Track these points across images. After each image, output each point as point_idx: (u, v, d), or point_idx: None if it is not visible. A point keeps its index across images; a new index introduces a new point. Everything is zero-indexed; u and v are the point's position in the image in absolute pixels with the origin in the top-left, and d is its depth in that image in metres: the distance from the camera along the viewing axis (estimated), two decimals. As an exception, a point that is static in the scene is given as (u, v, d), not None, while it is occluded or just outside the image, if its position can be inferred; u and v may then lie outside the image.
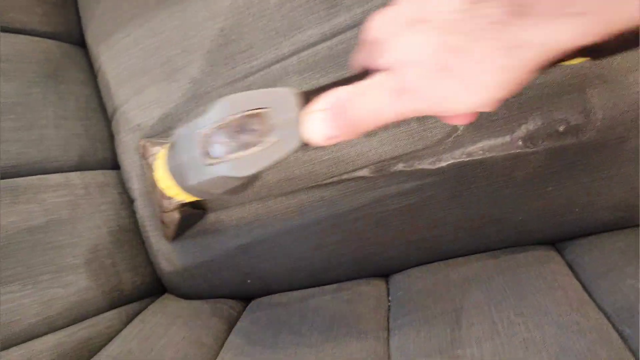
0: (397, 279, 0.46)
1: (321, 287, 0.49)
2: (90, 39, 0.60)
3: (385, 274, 0.48)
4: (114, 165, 0.60)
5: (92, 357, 0.44)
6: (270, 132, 0.28)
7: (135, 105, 0.55)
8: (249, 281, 0.52)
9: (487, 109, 0.22)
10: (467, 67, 0.21)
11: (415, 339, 0.36)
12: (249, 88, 0.49)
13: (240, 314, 0.51)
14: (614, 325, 0.30)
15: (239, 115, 0.29)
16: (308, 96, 0.28)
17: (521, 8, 0.19)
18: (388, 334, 0.38)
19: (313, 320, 0.42)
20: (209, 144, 0.30)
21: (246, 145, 0.29)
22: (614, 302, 0.31)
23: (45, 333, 0.44)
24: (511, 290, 0.36)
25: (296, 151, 0.29)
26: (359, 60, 0.28)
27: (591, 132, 0.39)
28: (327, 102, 0.26)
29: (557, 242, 0.43)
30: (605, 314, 0.31)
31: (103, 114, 0.60)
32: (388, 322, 0.40)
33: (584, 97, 0.38)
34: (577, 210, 0.40)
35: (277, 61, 0.48)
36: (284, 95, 0.28)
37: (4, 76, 0.52)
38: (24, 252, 0.46)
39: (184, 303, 0.54)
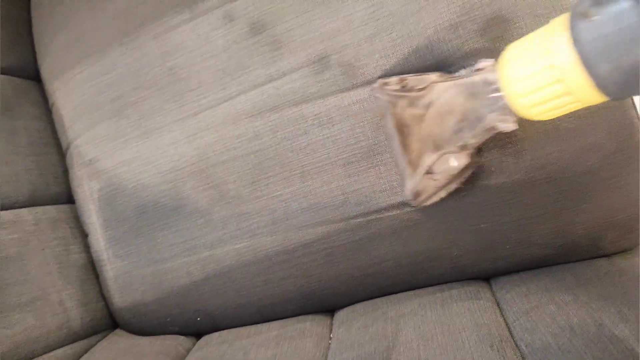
0: (341, 315, 0.47)
1: (269, 323, 0.49)
2: (45, 74, 0.60)
3: (331, 310, 0.49)
4: (68, 199, 0.60)
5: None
6: None
7: (88, 140, 0.56)
8: (198, 318, 0.52)
9: None
10: None
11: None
12: (198, 124, 0.50)
13: (188, 351, 0.51)
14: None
15: None
16: None
17: None
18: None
19: (255, 359, 0.42)
20: None
21: None
22: (532, 342, 0.32)
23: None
24: (440, 327, 0.37)
25: None
26: None
27: (521, 172, 0.41)
28: None
29: (491, 277, 0.45)
30: (522, 354, 0.32)
31: (57, 148, 0.61)
32: (326, 360, 0.40)
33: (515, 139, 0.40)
34: (508, 247, 0.42)
35: (225, 100, 0.49)
36: None
37: (-47, 113, 0.52)
38: (-33, 293, 0.46)
39: (134, 339, 0.54)
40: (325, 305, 0.49)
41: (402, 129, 0.40)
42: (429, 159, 0.38)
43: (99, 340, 0.54)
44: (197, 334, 0.54)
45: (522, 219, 0.42)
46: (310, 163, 0.46)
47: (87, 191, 0.56)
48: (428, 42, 0.41)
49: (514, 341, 0.33)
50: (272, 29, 0.47)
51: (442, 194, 0.40)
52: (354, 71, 0.44)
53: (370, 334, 0.39)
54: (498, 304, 0.39)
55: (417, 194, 0.40)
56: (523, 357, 0.32)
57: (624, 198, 0.39)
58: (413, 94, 0.39)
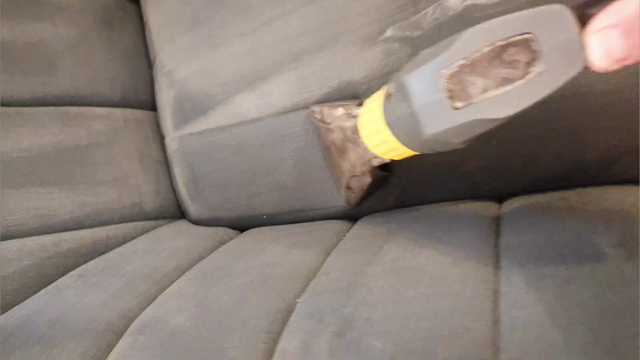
0: (362, 220, 0.51)
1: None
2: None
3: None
4: (152, 107, 0.70)
5: (104, 252, 0.54)
6: (536, 62, 0.24)
7: (169, 52, 0.64)
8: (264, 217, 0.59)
9: None
10: None
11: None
12: (255, 40, 0.55)
13: (231, 239, 0.58)
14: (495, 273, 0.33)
15: (493, 46, 0.25)
16: (583, 11, 0.23)
17: None
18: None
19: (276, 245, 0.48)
20: (458, 84, 0.26)
21: (505, 81, 0.25)
22: (513, 257, 0.34)
23: (74, 229, 0.55)
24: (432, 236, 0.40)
25: (568, 81, 0.24)
26: None
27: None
28: (614, 16, 0.22)
29: (504, 197, 0.45)
30: (497, 266, 0.34)
31: (147, 61, 0.70)
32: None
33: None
34: (519, 163, 0.42)
35: (280, 16, 0.54)
36: (554, 14, 0.24)
37: (68, 21, 0.63)
38: (66, 164, 0.58)
39: (192, 226, 0.63)
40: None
41: (324, 151, 0.49)
42: (344, 180, 0.47)
43: (164, 224, 0.64)
44: (245, 229, 0.62)
45: (534, 134, 0.41)
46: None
47: (165, 98, 0.65)
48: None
49: (498, 258, 0.35)
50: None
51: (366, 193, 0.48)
52: None
53: (365, 241, 0.43)
54: (499, 224, 0.40)
55: (347, 202, 0.50)
56: (498, 268, 0.34)
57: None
58: (324, 125, 0.46)
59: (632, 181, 0.39)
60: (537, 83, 0.24)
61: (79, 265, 0.52)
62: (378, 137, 0.35)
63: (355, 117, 0.41)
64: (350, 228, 0.50)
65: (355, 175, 0.45)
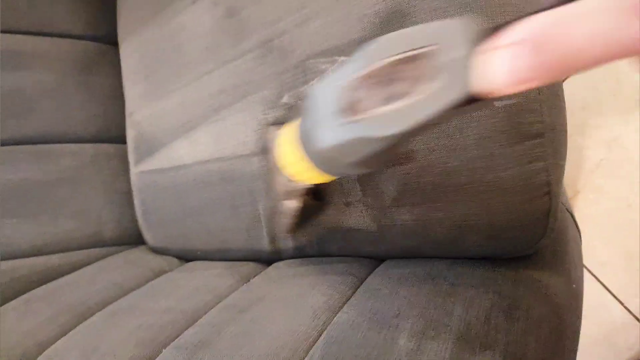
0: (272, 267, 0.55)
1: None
2: (119, 38, 0.77)
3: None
4: (124, 140, 0.77)
5: (56, 279, 0.62)
6: (429, 79, 0.22)
7: (131, 96, 0.71)
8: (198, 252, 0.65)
9: None
10: None
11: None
12: (190, 94, 0.60)
13: (172, 270, 0.64)
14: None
15: (391, 59, 0.23)
16: (489, 30, 0.21)
17: None
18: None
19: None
20: (351, 99, 0.25)
21: (395, 97, 0.23)
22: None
23: (31, 256, 0.63)
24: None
25: (455, 104, 0.22)
26: None
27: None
28: (523, 31, 0.19)
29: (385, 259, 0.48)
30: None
31: (122, 99, 0.78)
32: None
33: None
34: (378, 234, 0.45)
35: (206, 73, 0.58)
36: (455, 28, 0.21)
37: (47, 69, 0.72)
38: (33, 198, 0.66)
39: (143, 254, 0.70)
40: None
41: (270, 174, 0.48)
42: (278, 204, 0.46)
43: (123, 250, 0.71)
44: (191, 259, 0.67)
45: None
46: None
47: (129, 136, 0.72)
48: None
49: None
50: (240, 14, 0.54)
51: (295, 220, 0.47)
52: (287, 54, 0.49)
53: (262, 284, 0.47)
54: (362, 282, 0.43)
55: (280, 229, 0.49)
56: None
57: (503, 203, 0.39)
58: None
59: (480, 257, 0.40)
60: (423, 103, 0.22)
61: (32, 290, 0.60)
62: (292, 155, 0.33)
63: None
64: (260, 272, 0.54)
65: (284, 200, 0.43)
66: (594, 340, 0.81)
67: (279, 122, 0.49)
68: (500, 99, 0.21)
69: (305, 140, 0.30)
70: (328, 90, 0.26)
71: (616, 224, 0.78)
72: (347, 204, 0.45)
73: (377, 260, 0.48)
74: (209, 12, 0.58)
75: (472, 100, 0.22)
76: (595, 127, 0.80)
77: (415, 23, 0.40)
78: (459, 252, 0.42)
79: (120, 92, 0.77)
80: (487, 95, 0.21)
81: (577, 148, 0.81)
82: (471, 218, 0.39)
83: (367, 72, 0.24)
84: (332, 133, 0.26)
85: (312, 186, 0.39)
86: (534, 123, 0.38)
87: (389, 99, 0.23)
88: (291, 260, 0.54)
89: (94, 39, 0.78)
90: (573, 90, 0.81)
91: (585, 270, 0.81)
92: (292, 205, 0.43)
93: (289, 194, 0.41)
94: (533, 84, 0.19)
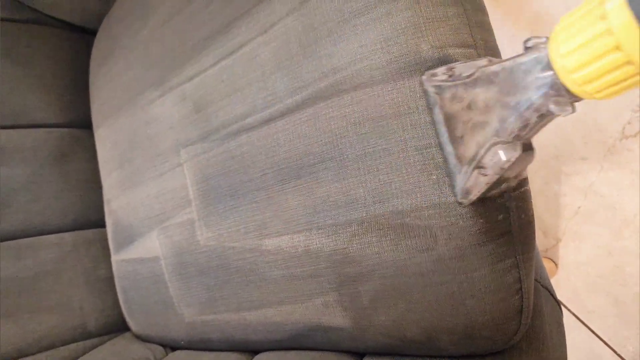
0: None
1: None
2: (93, 124, 0.78)
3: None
4: (104, 223, 0.77)
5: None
6: None
7: (107, 184, 0.71)
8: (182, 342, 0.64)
9: None
10: None
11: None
12: (162, 184, 0.61)
13: (157, 359, 0.63)
14: None
15: None
16: None
17: None
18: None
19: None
20: None
21: None
22: None
23: (16, 359, 0.62)
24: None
25: None
26: None
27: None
28: None
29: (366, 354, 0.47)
30: None
31: (99, 183, 0.78)
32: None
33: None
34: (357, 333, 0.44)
35: (176, 166, 0.59)
36: None
37: (22, 162, 0.72)
38: (13, 296, 0.65)
39: (129, 343, 0.69)
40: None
41: (450, 121, 0.37)
42: (478, 151, 0.35)
43: (109, 340, 0.70)
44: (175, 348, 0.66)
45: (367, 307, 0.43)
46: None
47: (108, 223, 0.72)
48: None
49: None
50: (206, 109, 0.55)
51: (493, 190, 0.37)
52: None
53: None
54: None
55: (466, 191, 0.37)
56: None
57: (453, 305, 0.39)
58: (461, 82, 0.35)
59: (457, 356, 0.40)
60: None
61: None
62: (597, 45, 0.23)
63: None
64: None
65: (502, 143, 0.33)
66: (590, 387, 0.81)
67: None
68: None
69: None
70: None
71: (600, 271, 0.78)
72: (325, 305, 0.45)
73: (357, 355, 0.48)
74: (176, 106, 0.59)
75: None
76: (570, 175, 0.81)
77: None
78: (436, 351, 0.42)
79: (97, 176, 0.78)
80: None
81: (554, 196, 0.82)
82: (446, 319, 0.39)
83: None
84: None
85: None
86: (502, 222, 0.38)
87: None
88: (274, 353, 0.53)
89: (68, 125, 0.78)
90: (544, 140, 0.83)
91: (574, 319, 0.81)
92: (514, 154, 0.32)
93: (530, 119, 0.30)
94: None
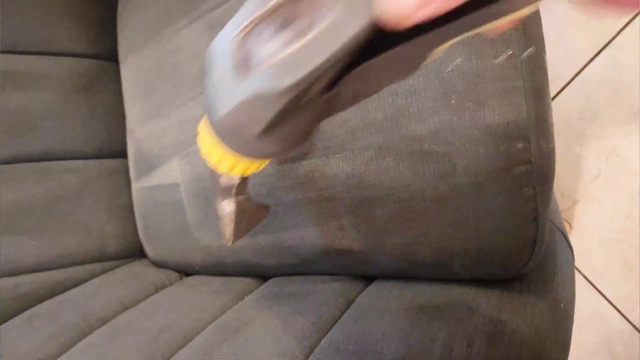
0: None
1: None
2: (119, 56, 0.78)
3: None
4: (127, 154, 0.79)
5: (60, 293, 0.64)
6: (325, 13, 0.18)
7: (131, 114, 0.73)
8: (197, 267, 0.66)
9: None
10: None
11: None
12: (184, 114, 0.62)
13: (172, 284, 0.66)
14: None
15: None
16: None
17: None
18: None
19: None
20: (245, 51, 0.21)
21: (292, 41, 0.19)
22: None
23: (36, 272, 0.65)
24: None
25: (359, 37, 0.18)
26: None
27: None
28: None
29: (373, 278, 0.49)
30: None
31: (124, 115, 0.79)
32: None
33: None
34: (367, 257, 0.45)
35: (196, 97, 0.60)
36: None
37: (49, 89, 0.73)
38: (37, 215, 0.68)
39: (145, 268, 0.71)
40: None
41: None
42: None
43: (126, 263, 0.73)
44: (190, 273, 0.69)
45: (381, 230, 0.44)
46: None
47: (130, 151, 0.74)
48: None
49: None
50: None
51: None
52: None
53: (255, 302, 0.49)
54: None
55: (222, 236, 0.41)
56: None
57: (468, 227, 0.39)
58: None
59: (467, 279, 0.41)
60: (321, 39, 0.18)
61: (35, 306, 0.62)
62: (208, 142, 0.27)
63: None
64: (255, 289, 0.56)
65: (221, 202, 0.37)
66: (594, 349, 0.82)
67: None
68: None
69: (210, 114, 0.24)
70: (221, 45, 0.22)
71: (615, 234, 0.78)
72: (340, 228, 0.46)
73: (368, 279, 0.49)
74: (203, 34, 0.59)
75: (383, 35, 0.18)
76: (594, 137, 0.80)
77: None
78: (446, 274, 0.42)
79: (122, 108, 0.79)
80: (396, 25, 0.17)
81: (575, 158, 0.81)
82: (459, 243, 0.40)
83: (259, 15, 0.20)
84: (230, 96, 0.22)
85: (241, 180, 0.33)
86: (522, 150, 0.38)
87: (287, 43, 0.19)
88: (287, 278, 0.55)
89: (95, 56, 0.79)
90: (570, 99, 0.81)
91: (584, 280, 0.81)
92: (227, 208, 0.36)
93: (224, 194, 0.35)
94: (430, 12, 0.16)
